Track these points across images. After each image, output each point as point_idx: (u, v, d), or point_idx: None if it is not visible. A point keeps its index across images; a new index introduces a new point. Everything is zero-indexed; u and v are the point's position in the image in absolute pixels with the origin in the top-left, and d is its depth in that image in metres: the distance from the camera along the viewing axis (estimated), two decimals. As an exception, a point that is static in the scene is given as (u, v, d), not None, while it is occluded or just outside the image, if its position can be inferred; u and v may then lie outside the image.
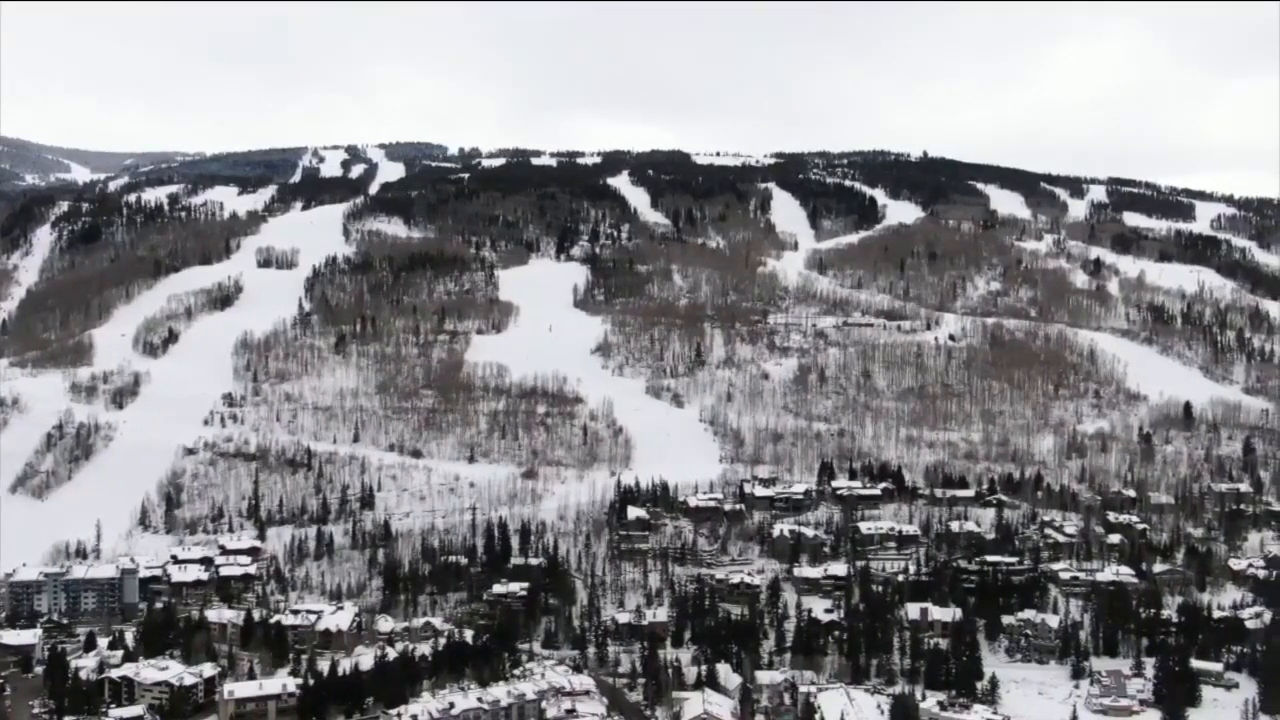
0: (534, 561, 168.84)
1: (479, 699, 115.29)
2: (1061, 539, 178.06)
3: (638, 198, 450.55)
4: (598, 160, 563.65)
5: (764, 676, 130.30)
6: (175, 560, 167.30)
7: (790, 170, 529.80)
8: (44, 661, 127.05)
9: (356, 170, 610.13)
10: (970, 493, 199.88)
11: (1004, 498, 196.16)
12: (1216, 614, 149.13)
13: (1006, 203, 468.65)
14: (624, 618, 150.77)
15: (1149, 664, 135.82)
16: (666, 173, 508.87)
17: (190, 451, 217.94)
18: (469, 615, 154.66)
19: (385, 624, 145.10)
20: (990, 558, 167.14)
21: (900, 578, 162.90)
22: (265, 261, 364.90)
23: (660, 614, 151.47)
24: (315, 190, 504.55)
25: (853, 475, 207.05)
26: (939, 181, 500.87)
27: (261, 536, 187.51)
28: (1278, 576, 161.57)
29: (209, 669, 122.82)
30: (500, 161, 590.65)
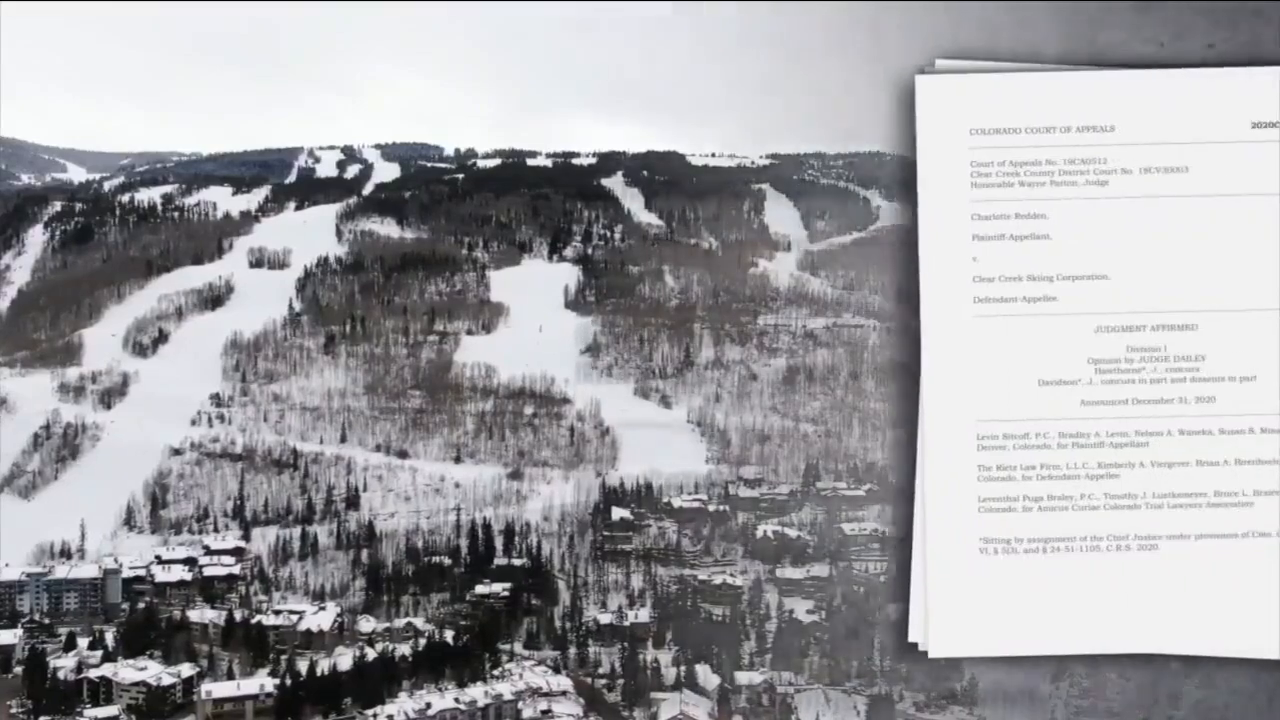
0: (517, 562, 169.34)
1: (456, 699, 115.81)
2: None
3: (632, 199, 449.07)
4: (593, 161, 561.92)
5: (743, 677, 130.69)
6: (159, 560, 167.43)
7: (785, 171, 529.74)
8: (23, 661, 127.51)
9: (352, 171, 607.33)
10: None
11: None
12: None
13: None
14: (605, 618, 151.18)
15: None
16: (661, 174, 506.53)
17: (177, 452, 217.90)
18: (451, 616, 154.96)
19: (367, 624, 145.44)
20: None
21: (883, 578, 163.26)
22: (257, 262, 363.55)
23: (642, 615, 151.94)
24: (309, 190, 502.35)
25: (838, 476, 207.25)
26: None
27: (246, 537, 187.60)
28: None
29: (188, 669, 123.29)
30: (496, 162, 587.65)
